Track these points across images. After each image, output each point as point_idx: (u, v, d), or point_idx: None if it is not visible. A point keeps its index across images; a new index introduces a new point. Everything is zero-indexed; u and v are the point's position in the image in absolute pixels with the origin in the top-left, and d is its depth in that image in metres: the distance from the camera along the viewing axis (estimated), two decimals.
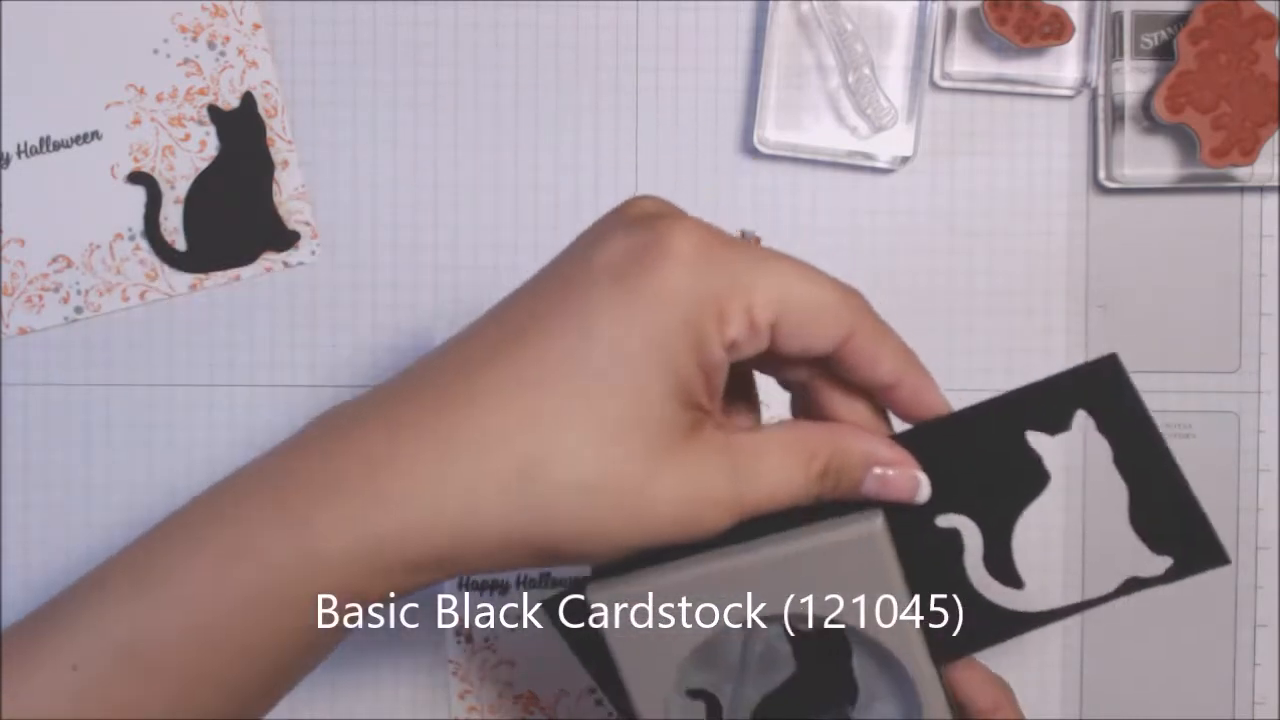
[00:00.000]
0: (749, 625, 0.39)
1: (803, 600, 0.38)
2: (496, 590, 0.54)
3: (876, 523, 0.38)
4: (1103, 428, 0.39)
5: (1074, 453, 0.55)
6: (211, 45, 0.53)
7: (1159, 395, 0.55)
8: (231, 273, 0.54)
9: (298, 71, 0.54)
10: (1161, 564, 0.41)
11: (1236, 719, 0.55)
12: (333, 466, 0.34)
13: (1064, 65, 0.54)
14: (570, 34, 0.54)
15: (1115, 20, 0.53)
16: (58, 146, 0.53)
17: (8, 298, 0.53)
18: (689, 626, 0.39)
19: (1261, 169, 0.53)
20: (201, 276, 0.54)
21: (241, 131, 0.53)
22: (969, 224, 0.55)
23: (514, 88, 0.54)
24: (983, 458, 0.39)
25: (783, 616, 0.39)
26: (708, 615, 0.39)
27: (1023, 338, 0.54)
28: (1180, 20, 0.53)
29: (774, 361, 0.38)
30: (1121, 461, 0.40)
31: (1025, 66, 0.54)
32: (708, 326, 0.34)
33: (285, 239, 0.54)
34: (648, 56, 0.54)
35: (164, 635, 0.33)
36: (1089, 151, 0.55)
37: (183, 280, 0.54)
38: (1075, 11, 0.53)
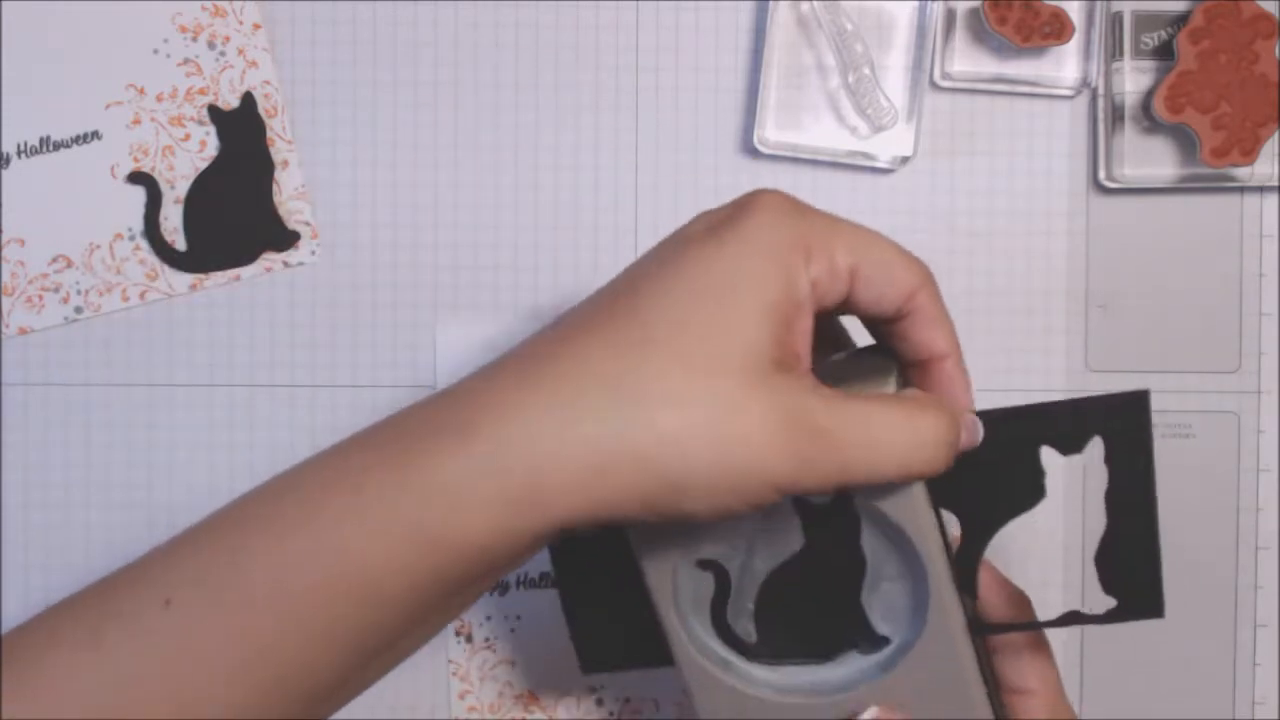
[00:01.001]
0: None
1: None
2: (496, 590, 0.54)
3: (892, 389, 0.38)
4: (1109, 459, 0.39)
5: (1074, 466, 0.55)
6: (211, 45, 0.53)
7: (1159, 395, 0.55)
8: (231, 273, 0.54)
9: (298, 71, 0.54)
10: (1105, 603, 0.42)
11: (1236, 719, 0.55)
12: (458, 414, 0.34)
13: (1064, 65, 0.54)
14: (570, 34, 0.54)
15: (1115, 20, 0.53)
16: (58, 146, 0.53)
17: (8, 298, 0.53)
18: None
19: (1261, 169, 0.53)
20: (201, 276, 0.54)
21: (241, 131, 0.53)
22: (969, 224, 0.55)
23: (514, 88, 0.54)
24: (992, 460, 0.40)
25: None
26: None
27: (1023, 338, 0.54)
28: (1180, 20, 0.53)
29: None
30: (1112, 497, 0.40)
31: (1025, 66, 0.54)
32: (794, 260, 0.35)
33: (285, 239, 0.54)
34: (648, 56, 0.54)
35: (306, 579, 0.33)
36: (1089, 151, 0.55)
37: (183, 280, 0.54)
38: (1075, 11, 0.53)
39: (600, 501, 0.33)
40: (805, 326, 0.36)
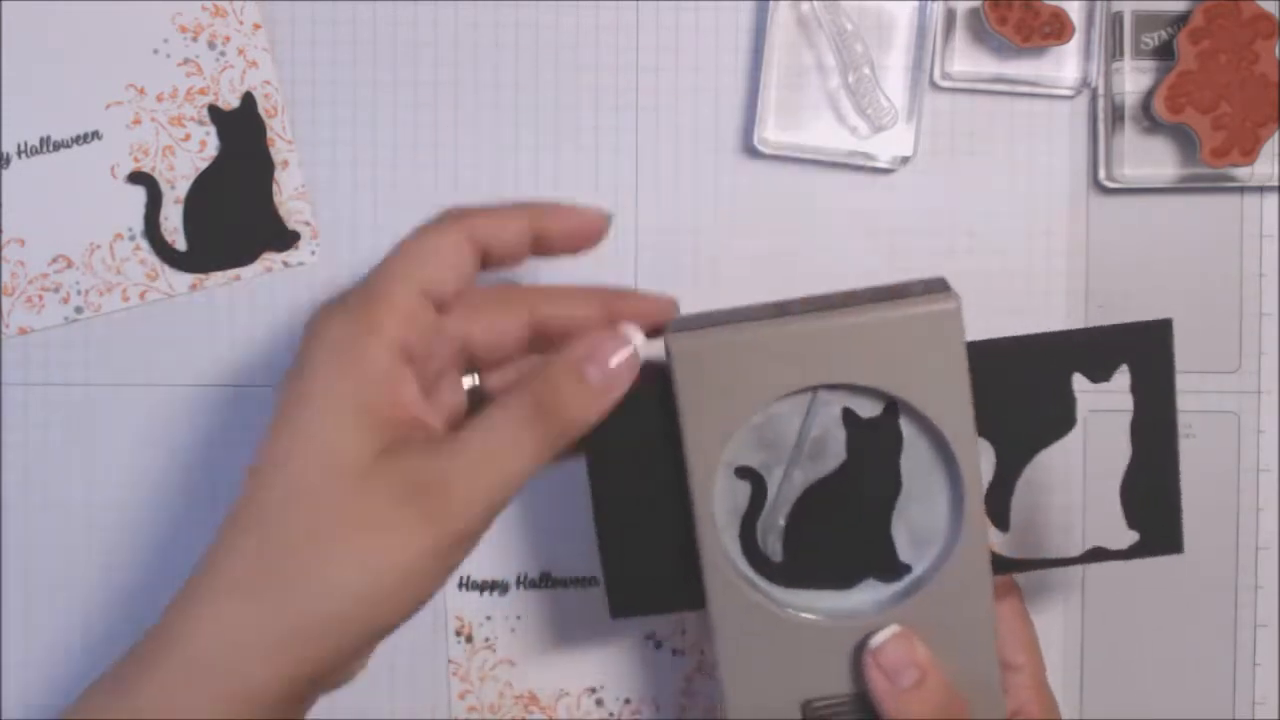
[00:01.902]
0: (814, 393, 0.40)
1: (872, 371, 0.40)
2: (497, 590, 0.54)
3: (953, 302, 0.40)
4: (1134, 387, 0.41)
5: (1074, 452, 0.55)
6: (211, 45, 0.53)
7: None
8: (231, 273, 0.54)
9: (298, 71, 0.54)
10: (1128, 539, 0.43)
11: (1236, 719, 0.55)
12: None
13: (1064, 65, 0.54)
14: (570, 34, 0.54)
15: (1115, 20, 0.53)
16: (58, 146, 0.53)
17: (8, 298, 0.53)
18: (758, 384, 0.40)
19: (1261, 169, 0.53)
20: (201, 276, 0.54)
21: (241, 131, 0.53)
22: (969, 224, 0.55)
23: (514, 88, 0.54)
24: (1024, 388, 0.41)
25: (848, 389, 0.40)
26: (778, 373, 0.40)
27: None
28: (1180, 20, 0.53)
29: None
30: (1136, 427, 0.42)
31: (1025, 66, 0.54)
32: (352, 356, 0.38)
33: (285, 239, 0.54)
34: (648, 56, 0.54)
35: None
36: (1089, 151, 0.55)
37: (183, 280, 0.54)
38: (1075, 11, 0.53)
39: (299, 662, 0.36)
40: (404, 395, 0.38)
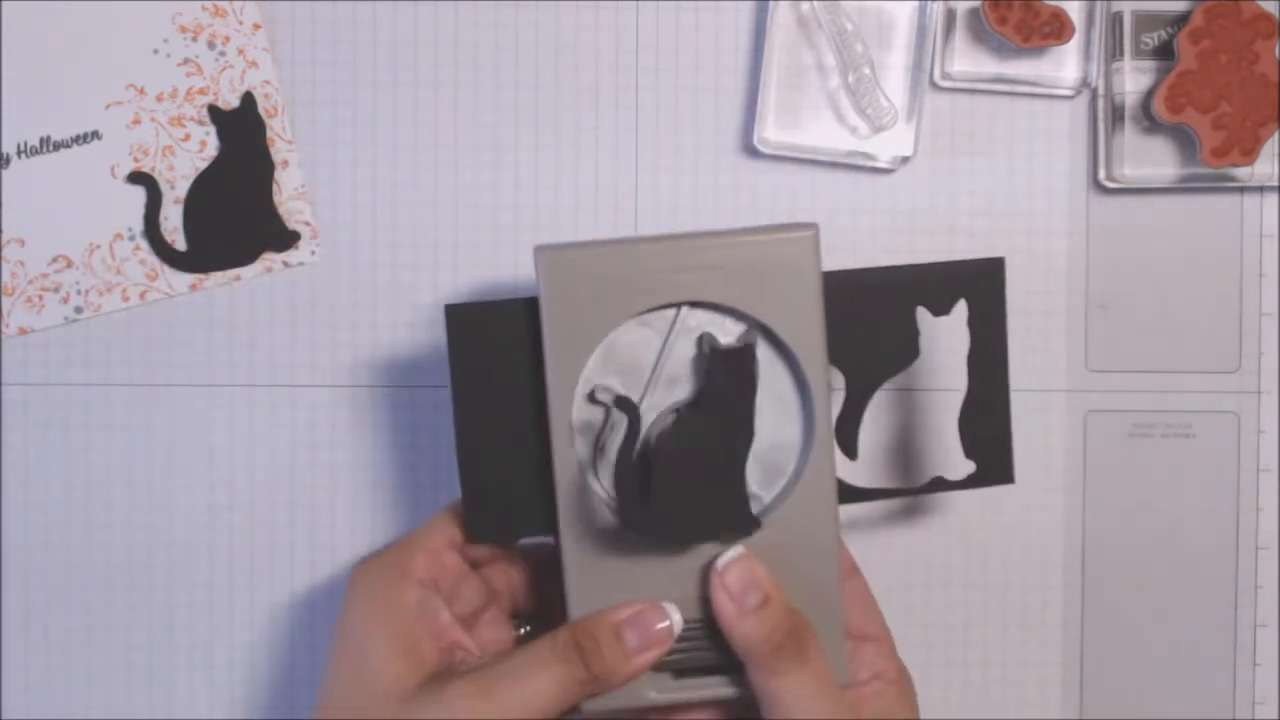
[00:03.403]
0: (675, 317, 0.42)
1: (729, 291, 0.41)
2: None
3: (810, 230, 0.41)
4: (970, 321, 0.44)
5: (1074, 452, 0.55)
6: (211, 45, 0.53)
7: (1159, 395, 0.55)
8: (231, 273, 0.54)
9: (298, 71, 0.54)
10: (965, 469, 0.45)
11: (1236, 719, 0.55)
12: None
13: (1064, 65, 0.54)
14: (570, 34, 0.54)
15: (1115, 20, 0.53)
16: (58, 146, 0.53)
17: (8, 298, 0.53)
18: (624, 296, 0.41)
19: (1261, 169, 0.53)
20: (201, 276, 0.54)
21: (241, 131, 0.53)
22: (969, 224, 0.55)
23: (514, 88, 0.54)
24: (871, 320, 0.43)
25: (707, 312, 0.42)
26: (645, 286, 0.41)
27: (1023, 337, 0.54)
28: (1180, 20, 0.53)
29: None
30: (972, 360, 0.44)
31: (1025, 66, 0.54)
32: (393, 582, 0.43)
33: (285, 239, 0.54)
34: (648, 56, 0.54)
35: None
36: (1089, 151, 0.55)
37: (183, 280, 0.54)
38: (1075, 11, 0.53)
39: None
40: (438, 621, 0.43)
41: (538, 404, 0.42)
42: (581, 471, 0.42)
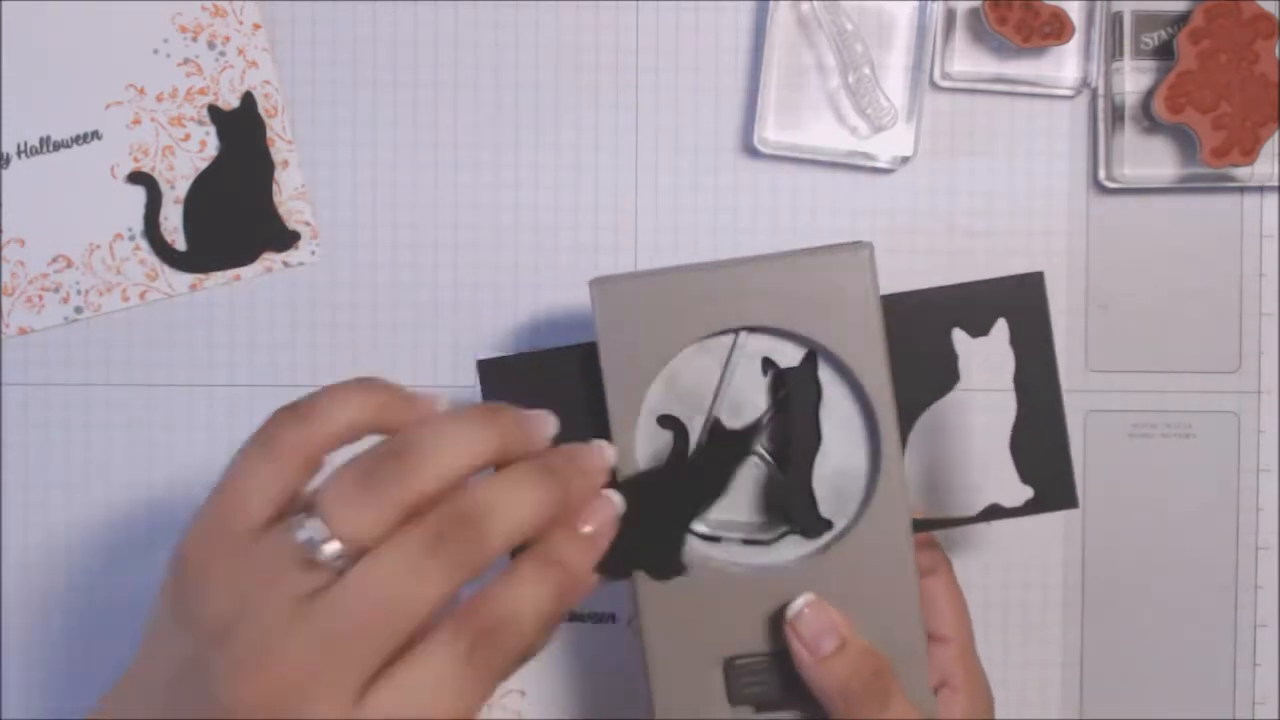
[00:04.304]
0: (734, 342, 0.41)
1: (788, 311, 0.41)
2: None
3: (865, 251, 0.41)
4: (1013, 339, 0.42)
5: (1074, 452, 0.55)
6: (211, 45, 0.53)
7: (1159, 395, 0.55)
8: (231, 273, 0.54)
9: (298, 71, 0.54)
10: (1023, 495, 0.43)
11: (1236, 719, 0.55)
12: None
13: (1064, 65, 0.54)
14: (570, 34, 0.54)
15: (1115, 20, 0.53)
16: (58, 146, 0.53)
17: (8, 298, 0.53)
18: (680, 326, 0.41)
19: (1261, 169, 0.53)
20: (201, 276, 0.54)
21: (241, 131, 0.53)
22: (969, 224, 0.55)
23: (514, 88, 0.54)
24: (907, 345, 0.42)
25: (765, 335, 0.41)
26: (701, 315, 0.41)
27: None
28: (1180, 20, 0.53)
29: None
30: (1019, 381, 0.43)
31: (1025, 66, 0.54)
32: None
33: (285, 239, 0.54)
34: (648, 56, 0.54)
35: None
36: (1089, 151, 0.55)
37: (183, 280, 0.54)
38: (1075, 11, 0.53)
39: None
40: None
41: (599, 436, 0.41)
42: None
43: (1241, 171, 0.53)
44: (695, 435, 0.42)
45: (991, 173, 0.54)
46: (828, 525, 0.42)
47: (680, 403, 0.42)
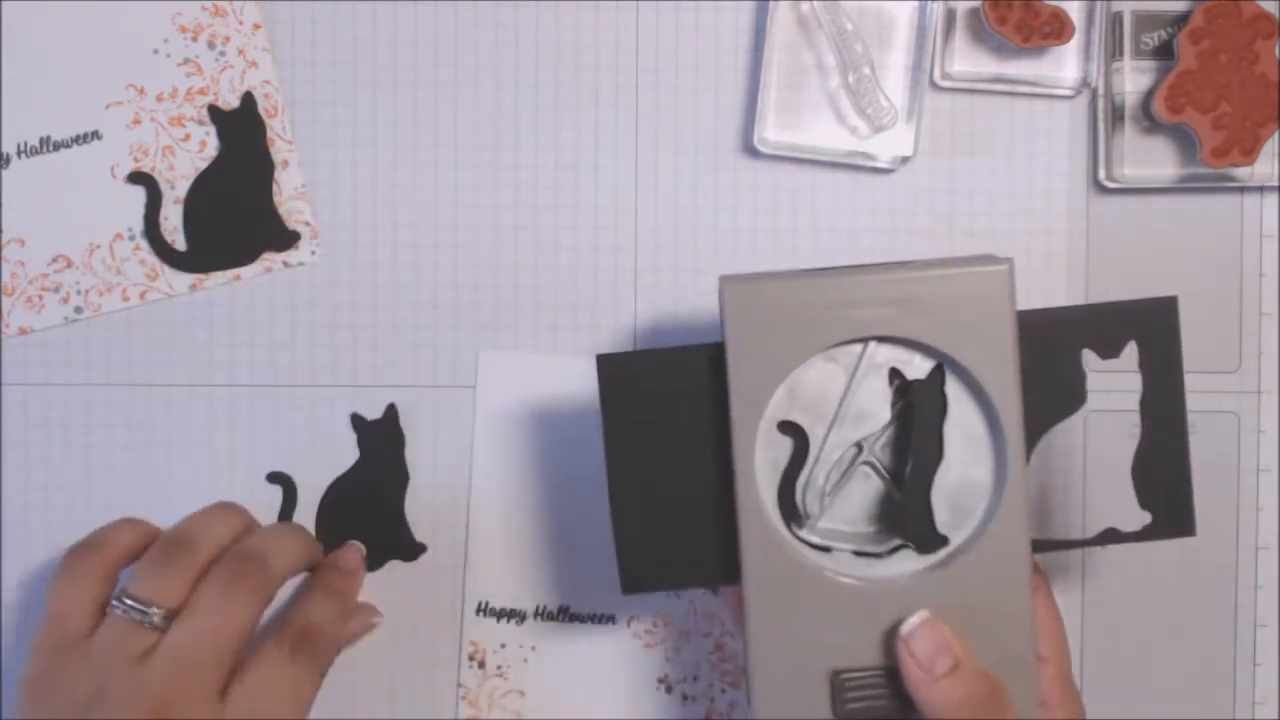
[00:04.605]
0: (862, 352, 0.40)
1: (921, 323, 0.39)
2: (514, 619, 0.54)
3: (1003, 267, 0.40)
4: (1142, 363, 0.42)
5: (1074, 452, 0.55)
6: (211, 45, 0.53)
7: None
8: (231, 273, 0.54)
9: (298, 71, 0.54)
10: (1140, 520, 0.43)
11: (1236, 719, 0.55)
12: None
13: (1064, 65, 0.54)
14: (570, 34, 0.54)
15: (1115, 20, 0.53)
16: (58, 146, 0.53)
17: (8, 298, 0.53)
18: (810, 332, 0.40)
19: (1261, 169, 0.53)
20: (201, 276, 0.54)
21: (241, 131, 0.53)
22: (969, 224, 0.55)
23: (514, 88, 0.54)
24: (1035, 364, 0.41)
25: (895, 348, 0.40)
26: (831, 322, 0.40)
27: None
28: (1180, 20, 0.53)
29: None
30: (1145, 405, 0.43)
31: (1025, 66, 0.54)
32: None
33: (285, 239, 0.54)
34: (648, 56, 0.54)
35: None
36: (1089, 151, 0.55)
37: (183, 280, 0.54)
38: (1075, 11, 0.53)
39: None
40: None
41: (714, 446, 0.41)
42: (766, 515, 0.41)
43: (1241, 171, 0.53)
44: (815, 444, 0.41)
45: (991, 173, 0.54)
46: (944, 541, 0.41)
47: (803, 410, 0.41)
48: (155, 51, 0.53)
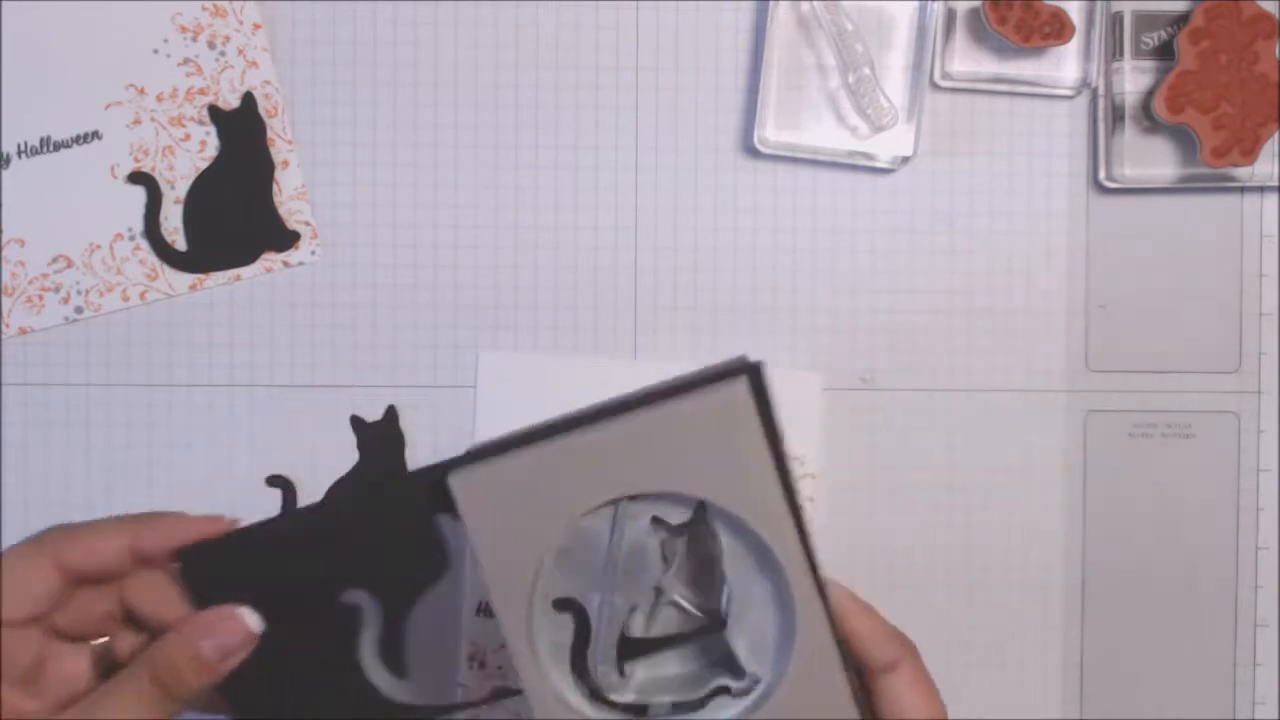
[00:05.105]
0: (617, 505, 0.37)
1: (667, 472, 0.36)
2: None
3: (739, 386, 0.36)
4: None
5: (1074, 452, 0.55)
6: (211, 45, 0.53)
7: (1159, 395, 0.55)
8: (231, 273, 0.54)
9: (298, 71, 0.54)
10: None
11: (1236, 719, 0.55)
12: None
13: (1064, 65, 0.54)
14: (570, 34, 0.54)
15: (1115, 20, 0.53)
16: (58, 146, 0.53)
17: (8, 298, 0.53)
18: (555, 508, 0.36)
19: (1261, 169, 0.53)
20: (201, 276, 0.54)
21: (241, 131, 0.53)
22: (969, 224, 0.55)
23: (514, 88, 0.54)
24: (391, 532, 0.39)
25: (649, 497, 0.37)
26: (575, 493, 0.36)
27: (1023, 338, 0.54)
28: (1180, 20, 0.53)
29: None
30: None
31: (1025, 66, 0.54)
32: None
33: (285, 239, 0.54)
34: (648, 56, 0.54)
35: None
36: (1089, 151, 0.55)
37: (183, 280, 0.54)
38: (1075, 11, 0.53)
39: None
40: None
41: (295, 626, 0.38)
42: (559, 696, 0.38)
43: (1241, 171, 0.53)
44: (594, 615, 0.38)
45: (991, 173, 0.54)
46: (756, 680, 0.38)
47: (576, 575, 0.38)
48: (155, 51, 0.53)
